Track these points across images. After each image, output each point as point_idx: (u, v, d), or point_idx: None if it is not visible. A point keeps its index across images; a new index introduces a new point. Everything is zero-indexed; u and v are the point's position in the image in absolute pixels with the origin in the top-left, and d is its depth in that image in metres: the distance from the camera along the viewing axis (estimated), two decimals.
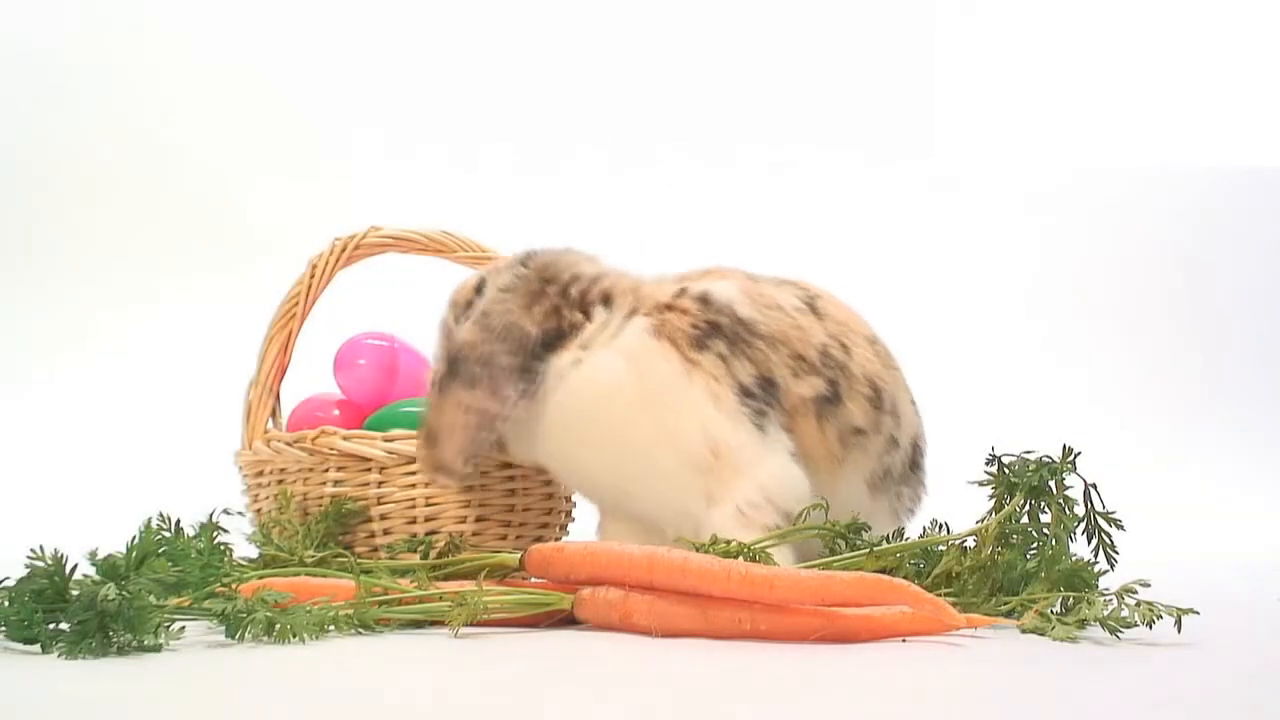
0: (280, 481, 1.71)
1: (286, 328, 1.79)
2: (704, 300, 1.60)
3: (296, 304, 1.78)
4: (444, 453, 1.58)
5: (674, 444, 1.54)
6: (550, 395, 1.59)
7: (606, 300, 1.63)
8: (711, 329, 1.57)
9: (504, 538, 1.72)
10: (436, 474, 1.60)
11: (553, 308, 1.61)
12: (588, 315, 1.62)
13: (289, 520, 1.65)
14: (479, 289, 1.65)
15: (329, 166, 3.44)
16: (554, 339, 1.60)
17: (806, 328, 1.62)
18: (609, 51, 3.61)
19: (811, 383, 1.59)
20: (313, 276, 1.79)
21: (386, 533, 1.67)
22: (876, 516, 1.63)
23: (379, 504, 1.67)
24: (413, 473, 1.67)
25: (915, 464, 1.71)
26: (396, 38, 3.55)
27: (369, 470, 1.67)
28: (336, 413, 1.80)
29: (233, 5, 3.49)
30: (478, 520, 1.70)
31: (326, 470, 1.68)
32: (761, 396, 1.55)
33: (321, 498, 1.68)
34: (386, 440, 1.67)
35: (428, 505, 1.68)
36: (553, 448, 1.62)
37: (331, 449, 1.67)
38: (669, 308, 1.60)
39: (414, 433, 1.67)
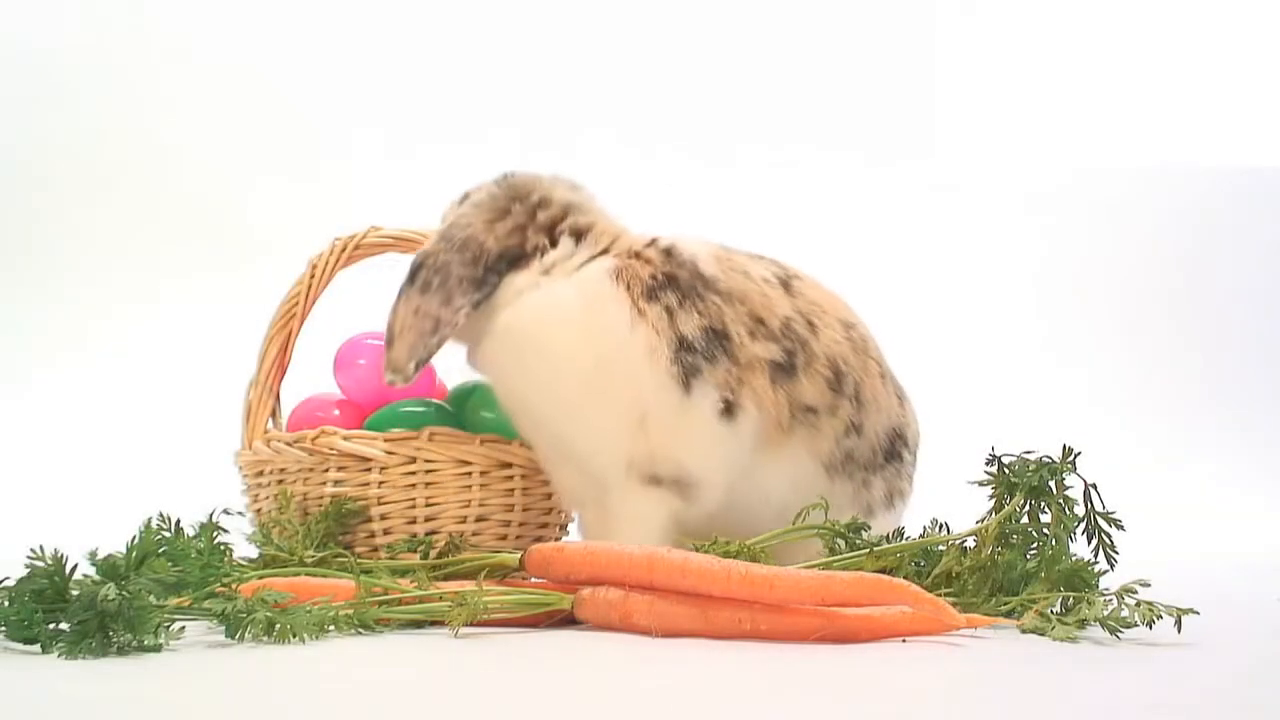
0: (280, 481, 1.71)
1: (286, 328, 1.79)
2: (668, 252, 1.63)
3: (296, 304, 1.78)
4: (397, 353, 1.60)
5: (606, 392, 1.57)
6: (499, 312, 1.63)
7: (578, 234, 1.66)
8: (667, 280, 1.60)
9: (504, 538, 1.72)
10: (389, 374, 1.61)
11: (516, 226, 1.65)
12: (553, 242, 1.65)
13: (289, 520, 1.65)
14: (460, 202, 1.71)
15: (328, 166, 3.44)
16: (516, 258, 1.64)
17: (772, 297, 1.64)
18: (609, 52, 3.61)
19: (767, 346, 1.60)
20: (313, 276, 1.79)
21: (386, 533, 1.67)
22: (836, 500, 1.62)
23: (379, 504, 1.67)
24: (413, 473, 1.68)
25: (893, 454, 1.70)
26: (396, 38, 3.55)
27: (369, 470, 1.67)
28: (336, 413, 1.80)
29: (233, 5, 3.49)
30: (478, 520, 1.70)
31: (327, 470, 1.68)
32: (703, 349, 1.57)
33: (321, 498, 1.68)
34: (387, 440, 1.67)
35: (428, 505, 1.68)
36: (497, 368, 1.66)
37: (331, 449, 1.67)
38: (636, 255, 1.63)
39: (414, 433, 1.67)
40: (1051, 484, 1.46)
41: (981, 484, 1.50)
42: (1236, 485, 3.27)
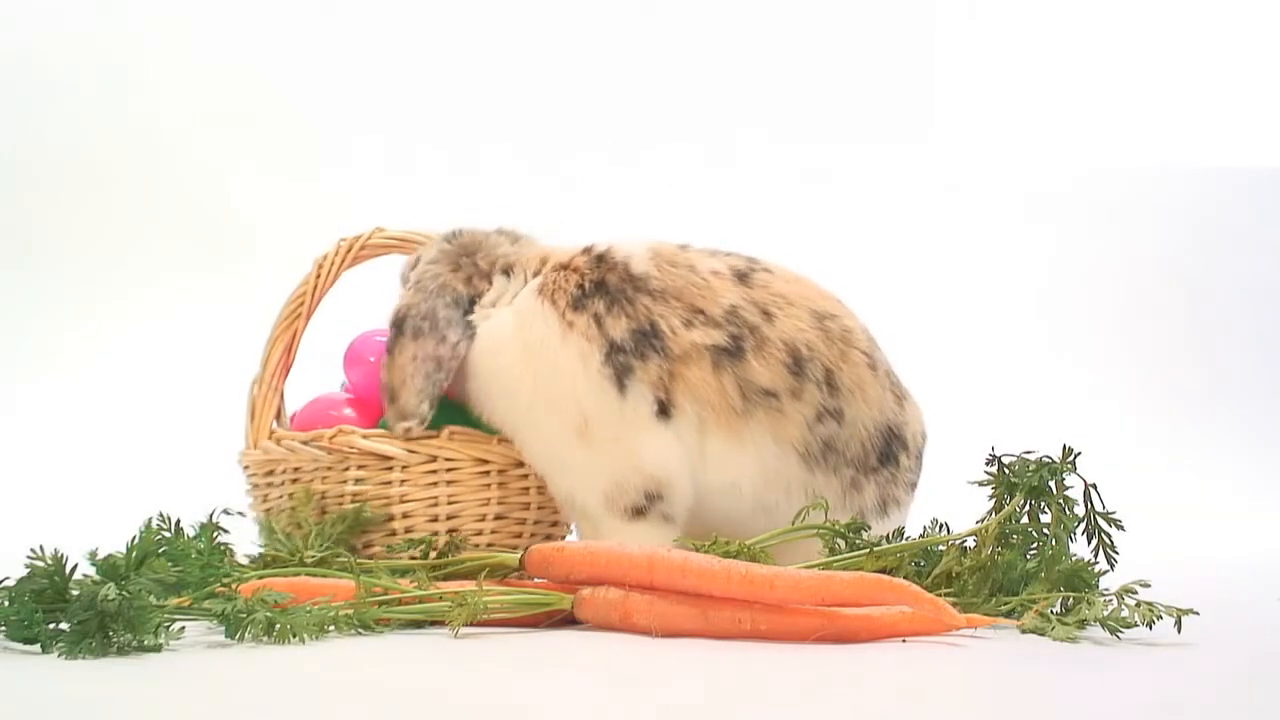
0: (295, 480, 1.71)
1: (291, 327, 1.78)
2: (600, 258, 1.68)
3: (302, 303, 1.78)
4: (405, 401, 1.65)
5: (552, 406, 1.63)
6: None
7: (507, 270, 1.73)
8: (595, 287, 1.65)
9: (519, 535, 1.73)
10: (400, 423, 1.65)
11: (467, 276, 1.73)
12: (489, 282, 1.73)
13: (305, 518, 1.65)
14: (413, 265, 1.77)
15: (328, 167, 3.44)
16: (470, 303, 1.72)
17: (717, 288, 1.65)
18: (607, 48, 3.61)
19: (707, 333, 1.62)
20: (318, 276, 1.78)
21: (408, 531, 1.67)
22: (817, 494, 1.62)
23: (401, 503, 1.67)
24: (434, 472, 1.68)
25: (888, 456, 1.68)
26: (398, 39, 3.55)
27: (390, 469, 1.67)
28: (349, 412, 1.79)
29: (234, 6, 3.49)
30: (496, 519, 1.70)
31: (346, 469, 1.68)
32: (633, 349, 1.61)
33: (342, 496, 1.68)
34: (406, 439, 1.68)
35: (449, 504, 1.68)
36: (473, 401, 1.72)
37: (351, 448, 1.67)
38: (564, 267, 1.68)
39: (434, 432, 1.68)
40: (1051, 484, 1.46)
41: (981, 484, 1.50)
42: (1236, 485, 3.27)
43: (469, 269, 1.73)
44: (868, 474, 1.66)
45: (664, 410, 1.60)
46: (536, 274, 1.71)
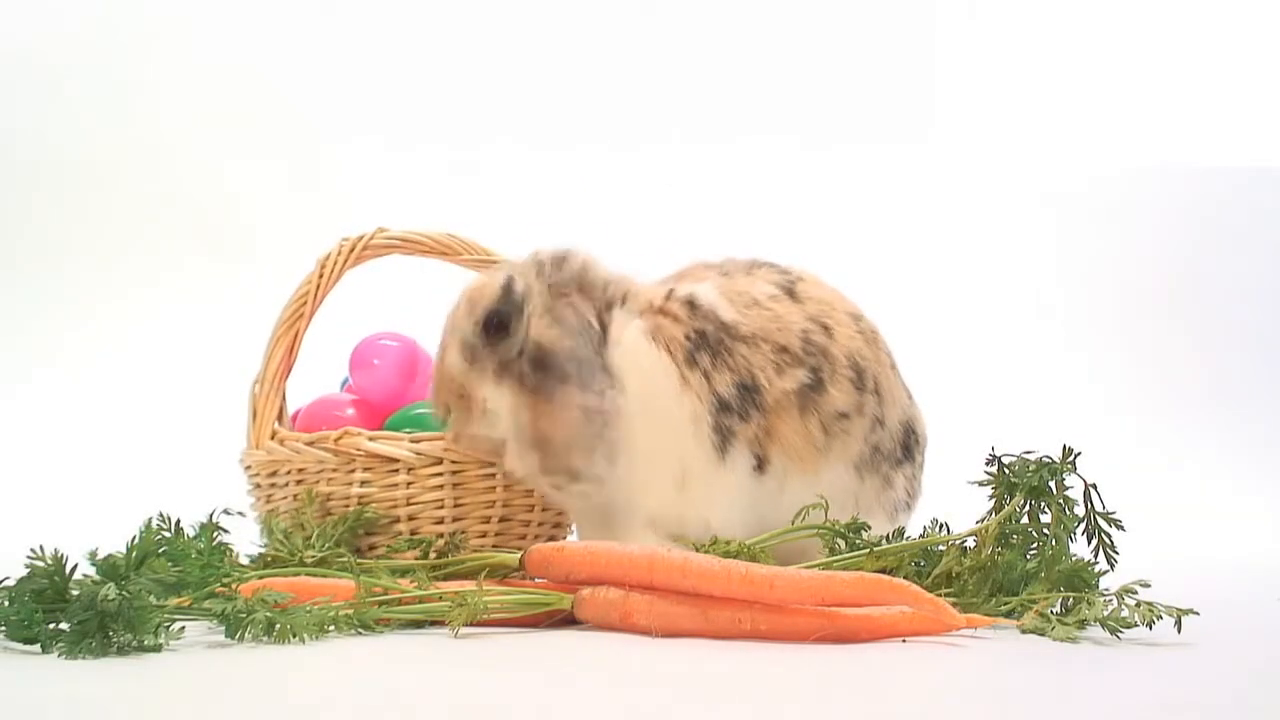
0: (300, 482, 1.71)
1: (294, 327, 1.78)
2: (691, 305, 1.62)
3: (305, 303, 1.78)
4: (572, 459, 1.55)
5: (656, 457, 1.57)
6: None
7: (624, 300, 1.64)
8: (700, 339, 1.59)
9: (523, 537, 1.73)
10: (573, 484, 1.57)
11: (598, 310, 1.62)
12: (610, 315, 1.63)
13: (309, 520, 1.65)
14: (508, 290, 1.58)
15: (328, 167, 3.44)
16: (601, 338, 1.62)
17: (785, 316, 1.63)
18: (609, 50, 3.61)
19: (794, 374, 1.60)
20: (321, 276, 1.78)
21: (414, 533, 1.67)
22: (863, 500, 1.63)
23: (407, 505, 1.67)
24: (440, 474, 1.67)
25: (909, 451, 1.70)
26: (398, 38, 3.55)
27: (396, 471, 1.67)
28: (351, 412, 1.79)
29: (234, 5, 3.49)
30: (501, 520, 1.70)
31: (352, 470, 1.68)
32: (737, 407, 1.57)
33: (348, 498, 1.68)
34: (413, 441, 1.67)
35: (455, 506, 1.68)
36: None
37: (358, 449, 1.67)
38: (661, 311, 1.62)
39: (440, 434, 1.66)
40: (1051, 484, 1.46)
41: (981, 484, 1.50)
42: (1236, 485, 3.26)
43: (599, 301, 1.62)
44: (896, 467, 1.68)
45: (759, 467, 1.58)
46: (641, 311, 1.62)
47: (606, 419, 1.56)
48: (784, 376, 1.60)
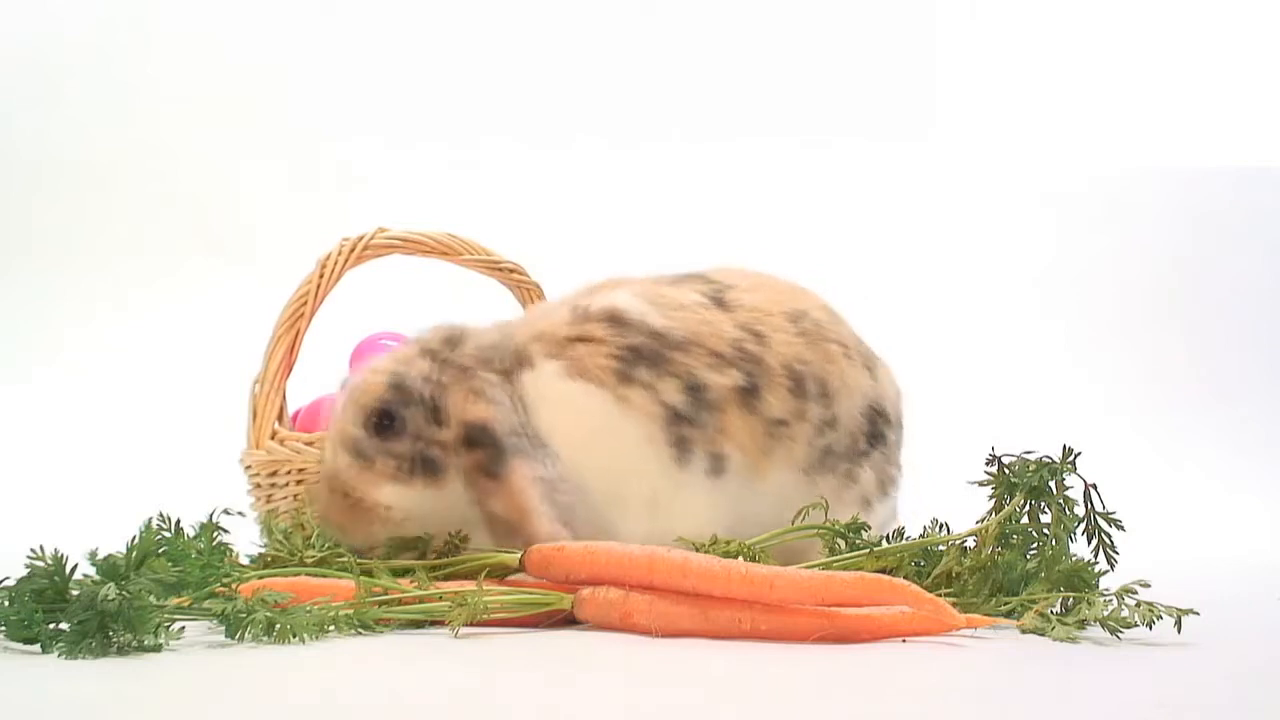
0: (300, 482, 1.71)
1: (294, 327, 1.78)
2: (614, 320, 1.57)
3: (305, 303, 1.77)
4: (538, 530, 1.47)
5: (621, 493, 1.54)
6: None
7: (528, 355, 1.57)
8: (633, 354, 1.55)
9: None
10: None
11: (503, 375, 1.56)
12: (519, 379, 1.57)
13: (309, 519, 1.65)
14: (396, 384, 1.54)
15: (328, 167, 3.44)
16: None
17: (715, 322, 1.60)
18: (608, 47, 3.61)
19: (730, 375, 1.57)
20: (321, 275, 1.78)
21: None
22: (825, 494, 1.59)
23: None
24: None
25: (876, 436, 1.66)
26: (398, 38, 3.55)
27: None
28: None
29: (235, 5, 3.49)
30: None
31: None
32: (689, 412, 1.55)
33: None
34: None
35: None
36: None
37: None
38: (575, 340, 1.56)
39: None
40: (1051, 484, 1.46)
41: (981, 484, 1.50)
42: (1236, 485, 3.26)
43: (501, 368, 1.56)
44: (859, 460, 1.65)
45: (717, 467, 1.56)
46: (551, 352, 1.57)
47: (555, 486, 1.50)
48: (723, 375, 1.57)
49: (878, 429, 1.67)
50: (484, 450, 1.51)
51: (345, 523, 1.55)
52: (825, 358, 1.64)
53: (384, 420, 1.54)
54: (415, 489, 1.53)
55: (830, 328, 1.67)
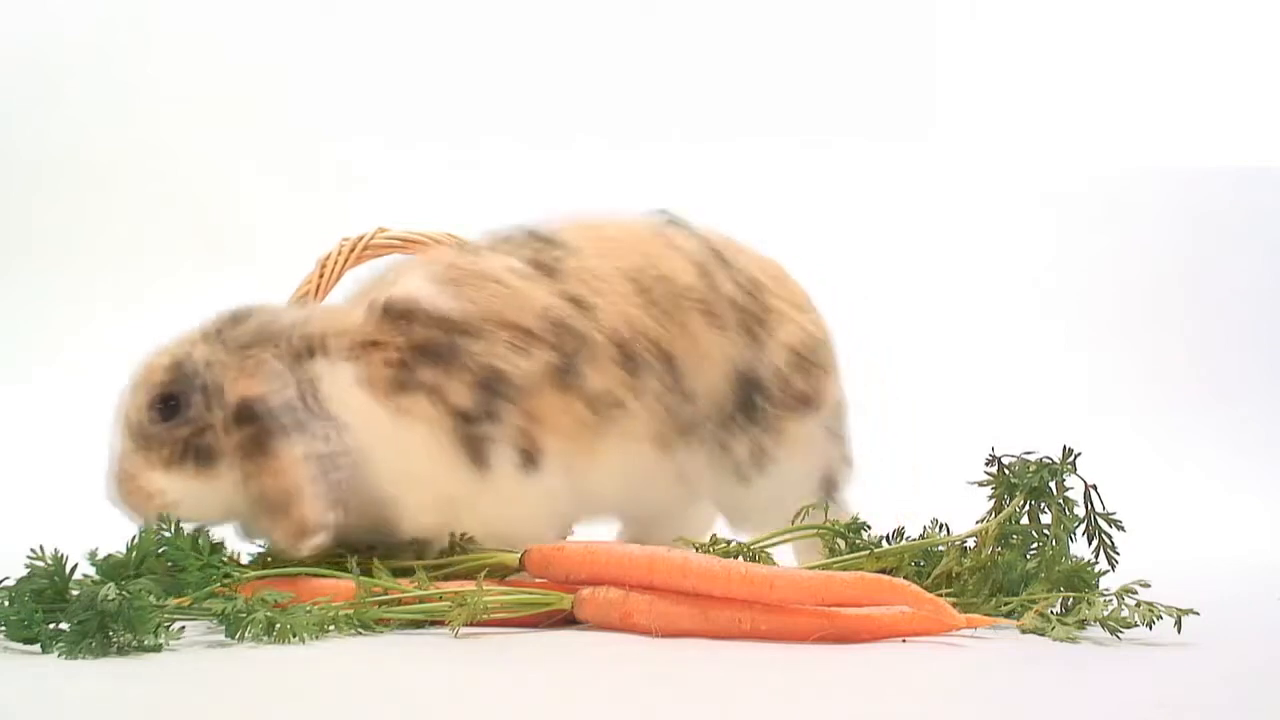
0: None
1: None
2: (402, 314, 1.46)
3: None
4: (305, 511, 1.39)
5: (407, 488, 1.46)
6: None
7: (323, 344, 1.47)
8: (416, 355, 1.45)
9: None
10: (304, 540, 1.40)
11: (291, 360, 1.47)
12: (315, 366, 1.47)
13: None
14: (177, 366, 1.49)
15: (328, 167, 3.44)
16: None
17: (526, 294, 1.49)
18: (608, 45, 3.61)
19: (539, 357, 1.47)
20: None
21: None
22: (689, 471, 1.54)
23: None
24: None
25: (748, 406, 1.56)
26: (399, 38, 3.55)
27: None
28: None
29: (235, 6, 3.49)
30: None
31: None
32: (483, 409, 1.44)
33: None
34: None
35: None
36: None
37: None
38: (370, 344, 1.46)
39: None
40: (1052, 485, 1.46)
41: (981, 484, 1.50)
42: (1236, 485, 3.26)
43: (290, 350, 1.45)
44: (732, 430, 1.56)
45: (529, 460, 1.47)
46: (350, 354, 1.46)
47: (335, 461, 1.41)
48: (530, 359, 1.47)
49: (750, 400, 1.56)
50: (252, 426, 1.41)
51: (127, 506, 1.49)
52: (672, 323, 1.53)
53: (166, 404, 1.46)
54: (186, 476, 1.45)
55: (694, 289, 1.55)
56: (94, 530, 1.56)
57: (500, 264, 1.52)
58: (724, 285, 1.58)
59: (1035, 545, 1.47)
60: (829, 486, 1.65)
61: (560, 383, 1.48)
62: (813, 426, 1.63)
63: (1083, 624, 1.36)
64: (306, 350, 1.47)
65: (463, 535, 1.58)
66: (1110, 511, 1.45)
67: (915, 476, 1.76)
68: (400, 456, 1.44)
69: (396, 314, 1.47)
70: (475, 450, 1.46)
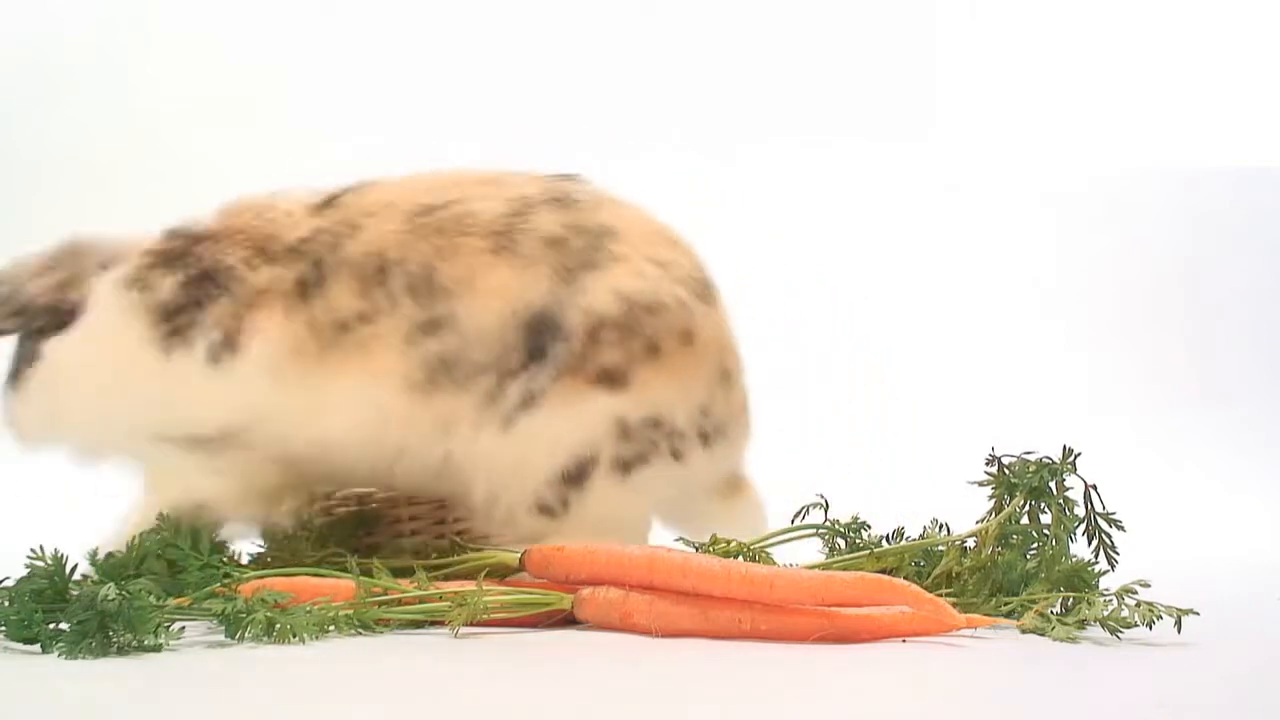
0: None
1: None
2: (167, 233, 1.51)
3: None
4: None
5: (95, 375, 1.47)
6: None
7: (106, 264, 1.51)
8: (154, 258, 1.47)
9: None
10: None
11: (59, 282, 1.52)
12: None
13: (310, 520, 1.65)
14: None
15: (328, 167, 3.44)
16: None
17: (285, 219, 1.46)
18: (606, 48, 3.61)
19: (275, 272, 1.43)
20: None
21: (414, 534, 1.67)
22: (455, 419, 1.43)
23: (408, 504, 1.66)
24: None
25: (537, 351, 1.42)
26: (399, 39, 3.55)
27: None
28: None
29: (236, 6, 3.49)
30: None
31: None
32: (191, 298, 1.43)
33: (347, 498, 1.67)
34: None
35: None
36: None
37: None
38: (143, 256, 1.50)
39: None
40: (1052, 484, 1.46)
41: (981, 484, 1.50)
42: (1236, 485, 3.26)
43: (67, 270, 1.50)
44: (512, 377, 1.43)
45: (221, 354, 1.42)
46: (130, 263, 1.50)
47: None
48: (258, 272, 1.43)
49: (541, 344, 1.42)
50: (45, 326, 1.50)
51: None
52: (445, 250, 1.43)
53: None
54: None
55: (491, 221, 1.45)
56: (94, 530, 1.56)
57: (285, 200, 1.50)
58: (543, 224, 1.46)
59: (1035, 545, 1.47)
60: (577, 473, 1.45)
61: (298, 295, 1.42)
62: (598, 407, 1.44)
63: (1083, 624, 1.36)
64: (103, 264, 1.51)
65: (460, 534, 1.58)
66: (1110, 511, 1.45)
67: (916, 476, 1.76)
68: (97, 344, 1.47)
69: (169, 232, 1.51)
70: (170, 339, 1.44)
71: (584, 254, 1.44)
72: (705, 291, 1.52)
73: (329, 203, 1.48)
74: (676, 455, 1.48)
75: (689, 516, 1.57)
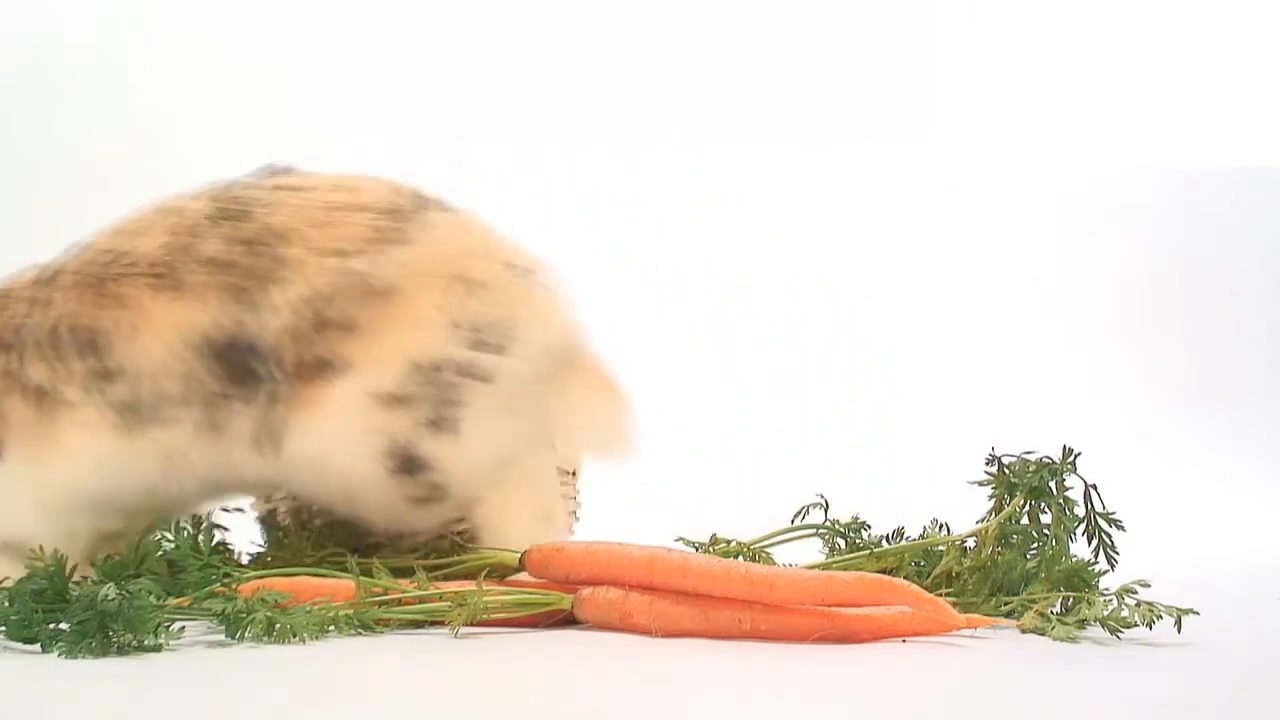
0: None
1: None
2: None
3: None
4: None
5: None
6: None
7: None
8: None
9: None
10: None
11: None
12: None
13: (310, 519, 1.65)
14: None
15: (329, 167, 3.44)
16: None
17: (10, 309, 1.43)
18: (606, 49, 3.61)
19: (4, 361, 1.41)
20: None
21: (415, 533, 1.66)
22: (176, 449, 1.41)
23: None
24: None
25: (242, 374, 1.38)
26: (399, 40, 3.55)
27: None
28: None
29: (236, 6, 3.49)
30: None
31: None
32: None
33: None
34: None
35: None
36: None
37: None
38: None
39: None
40: (1052, 484, 1.46)
41: (981, 484, 1.50)
42: (1236, 485, 3.26)
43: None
44: (223, 401, 1.39)
45: None
46: None
47: None
48: None
49: (248, 366, 1.38)
50: None
51: None
52: (103, 303, 1.41)
53: None
54: None
55: (145, 255, 1.43)
56: None
57: (21, 279, 1.47)
58: (207, 248, 1.41)
59: (1035, 545, 1.47)
60: (402, 459, 1.41)
61: (10, 380, 1.40)
62: (344, 392, 1.39)
63: (1083, 624, 1.36)
64: None
65: (460, 534, 1.58)
66: (1110, 511, 1.45)
67: (916, 476, 1.76)
68: None
69: None
70: None
71: (257, 270, 1.39)
72: (393, 230, 1.44)
73: (39, 280, 1.46)
74: (484, 378, 1.41)
75: (564, 426, 1.51)
